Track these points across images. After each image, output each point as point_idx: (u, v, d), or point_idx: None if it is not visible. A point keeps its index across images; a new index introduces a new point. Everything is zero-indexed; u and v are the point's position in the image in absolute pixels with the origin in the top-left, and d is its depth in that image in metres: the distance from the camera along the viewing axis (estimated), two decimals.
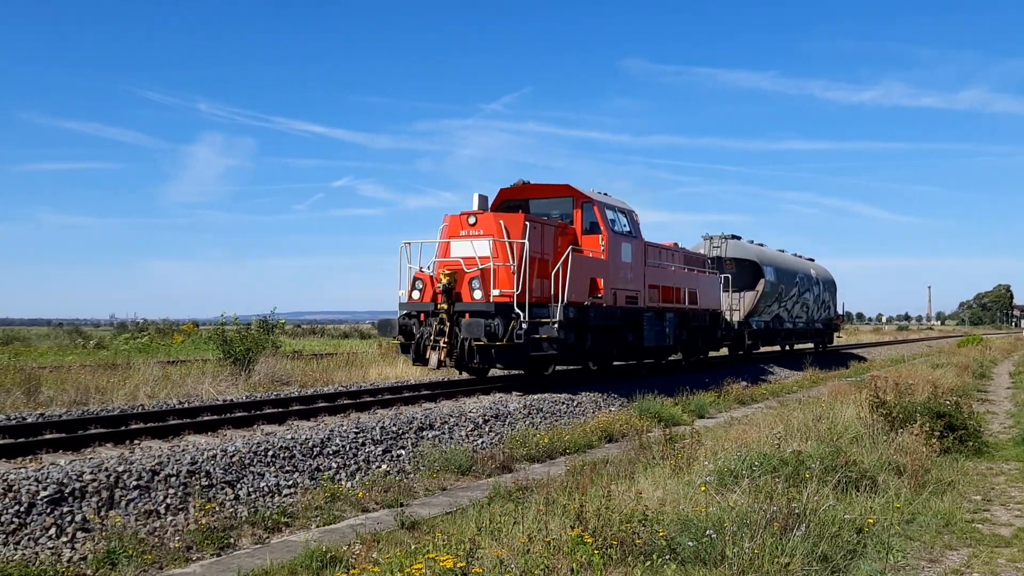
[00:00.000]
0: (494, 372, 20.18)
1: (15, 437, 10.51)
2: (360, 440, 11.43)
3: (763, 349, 35.88)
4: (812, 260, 41.03)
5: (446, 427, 13.01)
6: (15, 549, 6.75)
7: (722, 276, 28.27)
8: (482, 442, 12.85)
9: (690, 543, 6.09)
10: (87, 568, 6.77)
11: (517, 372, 19.73)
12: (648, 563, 5.61)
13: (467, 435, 13.00)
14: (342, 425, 11.96)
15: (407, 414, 13.30)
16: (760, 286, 30.65)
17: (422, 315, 17.19)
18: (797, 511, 6.76)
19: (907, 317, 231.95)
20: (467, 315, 16.43)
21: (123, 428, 11.19)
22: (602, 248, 19.17)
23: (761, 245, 33.96)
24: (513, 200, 19.88)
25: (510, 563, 5.61)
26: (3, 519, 7.10)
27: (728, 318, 29.01)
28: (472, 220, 17.25)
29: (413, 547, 6.39)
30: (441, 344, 16.51)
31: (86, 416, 12.28)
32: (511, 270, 16.55)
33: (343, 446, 11.04)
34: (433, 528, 7.72)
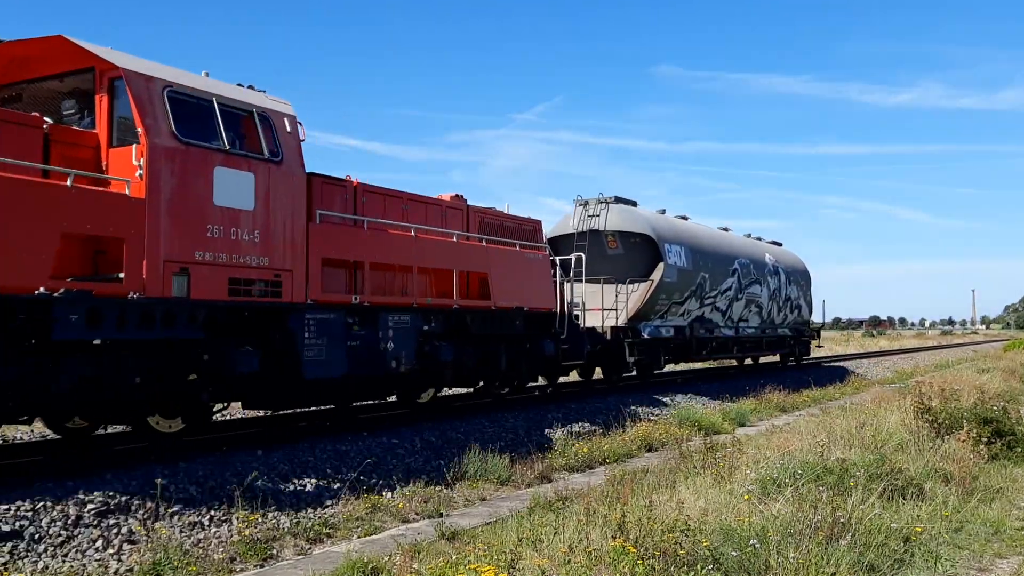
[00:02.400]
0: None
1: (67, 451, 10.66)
2: (399, 451, 11.46)
3: (681, 366, 26.62)
4: (778, 244, 31.87)
5: (484, 436, 13.00)
6: (63, 561, 6.85)
7: (573, 256, 18.81)
8: (520, 452, 12.81)
9: (733, 553, 6.03)
10: None
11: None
12: (691, 573, 5.56)
13: (506, 445, 12.98)
14: (382, 438, 11.99)
15: (445, 425, 13.30)
16: (657, 274, 20.74)
17: None
18: (842, 520, 6.68)
19: (951, 321, 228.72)
20: None
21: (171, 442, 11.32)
22: (139, 171, 9.26)
23: (684, 218, 24.93)
24: (7, 86, 10.49)
25: (552, 573, 5.59)
26: (51, 532, 7.22)
27: (599, 323, 19.98)
28: None
29: (454, 557, 6.40)
30: None
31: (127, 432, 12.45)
32: None
33: (383, 456, 11.08)
34: (474, 538, 7.72)
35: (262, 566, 7.55)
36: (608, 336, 19.68)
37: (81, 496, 7.85)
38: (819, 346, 36.51)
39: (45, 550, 6.89)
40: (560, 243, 21.24)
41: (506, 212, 16.26)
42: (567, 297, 17.40)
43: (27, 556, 6.74)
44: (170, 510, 8.04)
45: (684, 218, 24.84)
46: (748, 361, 30.82)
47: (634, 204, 22.19)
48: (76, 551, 7.08)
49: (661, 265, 20.86)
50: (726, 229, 27.89)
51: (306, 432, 12.09)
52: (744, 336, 26.39)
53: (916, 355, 47.81)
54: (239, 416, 14.28)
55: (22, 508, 7.38)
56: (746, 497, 7.69)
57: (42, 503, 7.53)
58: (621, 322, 20.29)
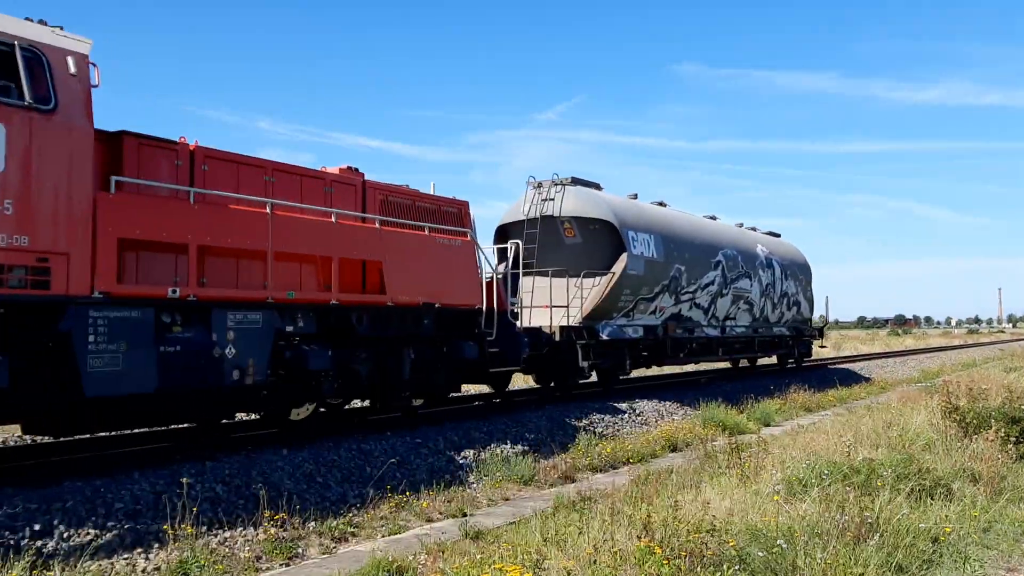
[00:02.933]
0: None
1: (99, 451, 10.78)
2: (423, 451, 11.49)
3: (654, 371, 23.88)
4: (775, 235, 29.04)
5: (507, 437, 13.01)
6: (91, 560, 6.91)
7: (510, 245, 16.42)
8: (544, 452, 12.81)
9: (760, 554, 6.00)
10: None
11: None
12: (718, 574, 5.53)
13: (529, 445, 12.99)
14: (405, 437, 12.02)
15: (469, 424, 13.32)
16: (619, 266, 17.97)
17: None
18: (870, 520, 6.64)
19: (977, 320, 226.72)
20: None
21: (198, 441, 11.42)
22: None
23: (662, 205, 22.14)
24: None
25: (577, 574, 5.59)
26: (81, 530, 7.29)
27: (547, 323, 16.91)
28: None
29: (479, 557, 6.41)
30: None
31: (157, 430, 12.56)
32: None
33: (407, 456, 11.11)
34: (498, 538, 7.72)
35: (288, 564, 7.59)
36: (557, 337, 16.66)
37: (110, 495, 7.93)
38: (822, 346, 33.67)
39: (74, 549, 6.95)
40: (511, 231, 18.84)
41: (427, 193, 13.75)
42: (505, 292, 14.87)
43: (56, 554, 6.81)
44: (197, 509, 8.10)
45: (662, 204, 22.07)
46: (745, 363, 28.30)
47: (597, 187, 19.37)
48: (104, 550, 7.15)
49: (624, 255, 18.01)
50: (713, 217, 24.98)
51: (330, 431, 12.14)
52: (732, 336, 23.50)
53: (942, 354, 47.33)
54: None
55: (53, 506, 7.47)
56: (774, 498, 7.65)
57: (71, 502, 7.62)
58: (575, 321, 17.32)
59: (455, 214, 14.07)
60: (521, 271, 16.85)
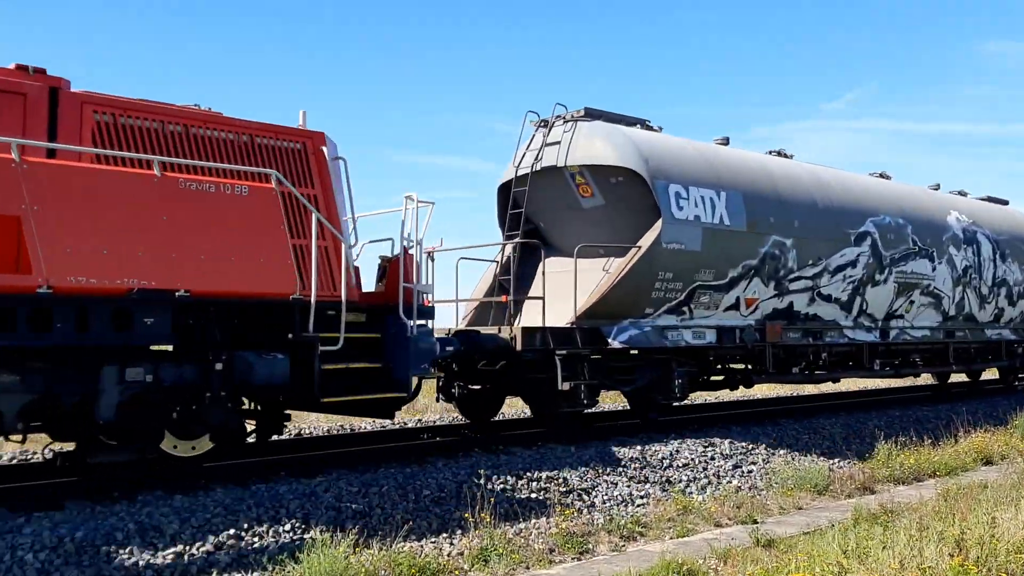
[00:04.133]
0: None
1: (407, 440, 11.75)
2: (709, 454, 11.38)
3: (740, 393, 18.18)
4: (1000, 202, 21.08)
5: (798, 443, 12.55)
6: (403, 542, 7.54)
7: (403, 207, 9.12)
8: (839, 461, 12.23)
9: None
10: (464, 563, 7.40)
11: None
12: None
13: (822, 453, 12.46)
14: (688, 438, 11.96)
15: (757, 430, 13.00)
16: (648, 238, 11.83)
17: None
18: None
19: None
20: None
21: (495, 434, 12.06)
22: None
23: (782, 154, 15.42)
24: None
25: None
26: (395, 514, 7.98)
27: (538, 321, 11.43)
28: None
29: (773, 565, 6.26)
30: None
31: (455, 423, 13.43)
32: None
33: (692, 459, 11.05)
34: (791, 547, 7.48)
35: (579, 559, 7.82)
36: (518, 346, 11.01)
37: (418, 482, 8.62)
38: None
39: (389, 531, 7.62)
40: (515, 191, 13.21)
41: (231, 117, 8.71)
42: (421, 278, 9.37)
43: (375, 535, 7.49)
44: (494, 499, 8.58)
45: (781, 154, 15.38)
46: (962, 377, 21.10)
47: (633, 122, 12.90)
48: (415, 532, 7.77)
49: (659, 223, 11.80)
50: (884, 175, 17.61)
51: (615, 431, 12.34)
52: (904, 342, 16.53)
53: None
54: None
55: (371, 490, 8.23)
56: None
57: (386, 486, 8.36)
58: (563, 321, 11.52)
59: (291, 152, 8.97)
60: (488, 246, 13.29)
